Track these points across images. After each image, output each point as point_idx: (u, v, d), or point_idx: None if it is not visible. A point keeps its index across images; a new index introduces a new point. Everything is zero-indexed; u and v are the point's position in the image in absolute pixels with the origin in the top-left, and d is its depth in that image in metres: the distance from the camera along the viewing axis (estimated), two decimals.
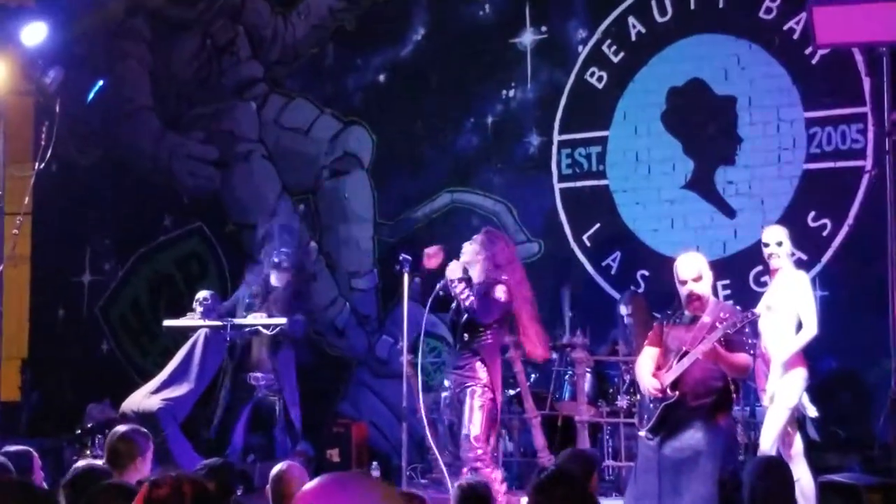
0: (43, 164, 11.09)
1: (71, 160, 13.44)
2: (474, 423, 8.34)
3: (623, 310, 10.11)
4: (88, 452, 11.01)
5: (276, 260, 10.13)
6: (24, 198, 11.41)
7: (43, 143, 10.86)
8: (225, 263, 13.03)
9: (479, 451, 8.27)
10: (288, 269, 10.10)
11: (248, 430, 10.24)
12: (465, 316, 8.52)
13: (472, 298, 8.39)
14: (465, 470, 8.22)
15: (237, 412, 10.18)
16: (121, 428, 6.32)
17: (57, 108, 10.91)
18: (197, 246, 13.32)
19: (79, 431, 11.43)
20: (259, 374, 10.01)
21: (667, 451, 7.19)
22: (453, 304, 8.67)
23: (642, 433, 7.42)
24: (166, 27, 13.56)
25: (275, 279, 10.13)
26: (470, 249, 8.70)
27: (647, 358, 7.50)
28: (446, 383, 8.74)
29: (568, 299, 10.57)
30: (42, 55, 10.55)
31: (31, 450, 6.59)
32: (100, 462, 7.02)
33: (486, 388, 8.40)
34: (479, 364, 8.46)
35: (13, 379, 13.18)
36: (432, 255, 8.81)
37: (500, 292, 8.52)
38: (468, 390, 8.44)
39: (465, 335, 8.55)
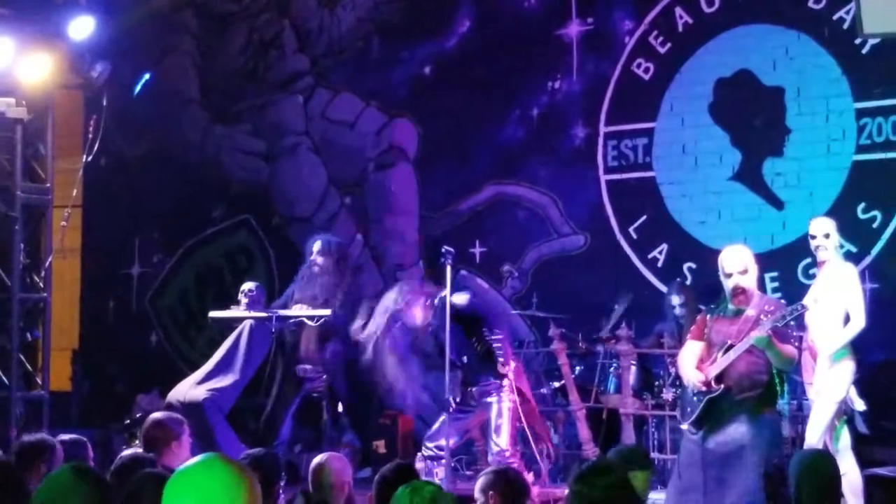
0: (91, 157, 11.21)
1: (119, 153, 13.54)
2: (501, 436, 8.48)
3: (675, 300, 10.05)
4: (137, 442, 11.10)
5: (314, 269, 10.12)
6: (73, 190, 11.53)
7: (91, 136, 10.97)
8: (272, 256, 13.08)
9: (507, 450, 8.44)
10: (326, 254, 10.06)
11: (297, 421, 10.26)
12: (451, 345, 8.62)
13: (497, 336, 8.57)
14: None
15: (286, 404, 10.21)
16: (155, 415, 6.39)
17: (105, 102, 11.02)
18: (244, 238, 13.38)
19: (128, 422, 11.52)
20: (308, 367, 10.02)
21: (710, 444, 7.15)
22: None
23: (684, 426, 7.38)
24: (213, 21, 13.63)
25: (319, 261, 10.09)
26: (392, 298, 8.85)
27: (689, 352, 7.45)
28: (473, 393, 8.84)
29: (624, 304, 10.51)
30: (90, 49, 10.62)
31: (84, 438, 6.67)
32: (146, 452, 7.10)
33: (507, 391, 8.51)
34: (489, 374, 8.66)
35: (64, 370, 13.30)
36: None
37: (457, 300, 8.60)
38: (489, 401, 8.63)
39: (464, 358, 8.77)
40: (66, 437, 6.60)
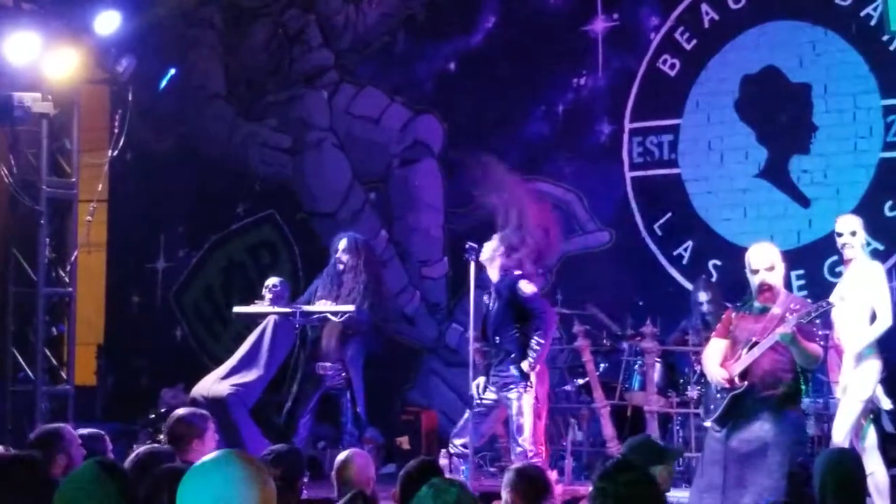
0: (117, 152, 11.25)
1: (145, 148, 13.57)
2: (524, 434, 8.50)
3: (703, 296, 9.99)
4: (162, 437, 11.13)
5: (339, 267, 10.13)
6: (98, 185, 11.58)
7: (117, 130, 11.02)
8: (296, 251, 13.09)
9: (532, 449, 8.45)
10: (352, 252, 10.06)
11: (316, 418, 10.27)
12: (493, 318, 8.62)
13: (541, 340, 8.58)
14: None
15: (305, 401, 10.21)
16: (180, 410, 6.39)
17: (130, 97, 11.06)
18: (269, 233, 13.40)
19: (152, 416, 11.56)
20: (327, 364, 10.02)
21: (734, 442, 7.11)
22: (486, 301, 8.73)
23: (707, 423, 7.35)
24: (238, 15, 13.64)
25: (344, 259, 10.09)
26: (489, 247, 8.82)
27: (714, 349, 7.42)
28: (491, 387, 8.82)
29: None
30: (115, 44, 10.67)
31: (102, 432, 6.68)
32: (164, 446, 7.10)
33: (527, 387, 8.51)
34: (513, 366, 8.65)
35: (89, 364, 13.35)
36: None
37: (525, 286, 8.60)
38: (509, 397, 8.65)
39: (497, 338, 8.69)
40: (84, 430, 6.61)
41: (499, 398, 8.76)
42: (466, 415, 8.87)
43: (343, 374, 9.95)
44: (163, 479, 4.54)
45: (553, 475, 8.42)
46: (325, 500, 6.93)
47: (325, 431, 10.61)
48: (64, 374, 11.23)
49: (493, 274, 8.84)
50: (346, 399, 9.95)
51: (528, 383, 8.54)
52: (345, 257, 10.08)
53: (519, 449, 8.50)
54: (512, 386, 8.65)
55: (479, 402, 8.81)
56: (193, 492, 2.97)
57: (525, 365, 8.55)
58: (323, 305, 9.84)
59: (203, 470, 3.02)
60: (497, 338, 8.76)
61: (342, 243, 10.15)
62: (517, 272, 8.76)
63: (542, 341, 8.61)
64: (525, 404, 8.55)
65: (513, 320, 8.71)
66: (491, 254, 8.84)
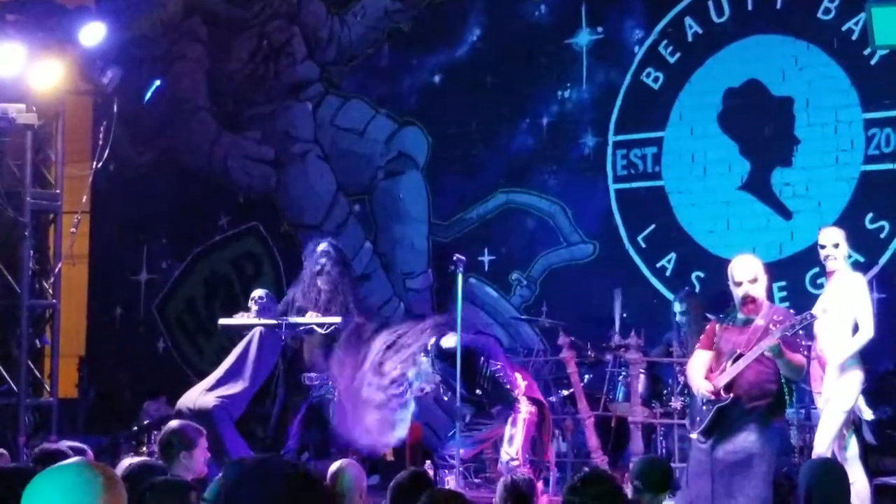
0: (101, 164, 11.24)
1: (128, 160, 13.56)
2: (513, 445, 8.58)
3: (677, 307, 10.07)
4: (144, 449, 11.10)
5: (316, 268, 10.11)
6: (82, 197, 11.56)
7: (101, 142, 11.01)
8: (280, 263, 13.09)
9: (517, 460, 8.51)
10: (330, 273, 10.05)
11: (304, 429, 10.25)
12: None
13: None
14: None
15: (292, 412, 10.19)
16: (172, 423, 6.39)
17: (115, 108, 11.05)
18: (253, 246, 13.39)
19: (135, 428, 11.53)
20: (313, 375, 9.99)
21: (719, 454, 7.14)
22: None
23: (694, 435, 7.38)
24: (223, 28, 13.64)
25: (320, 283, 10.10)
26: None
27: (698, 361, 7.45)
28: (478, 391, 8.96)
29: (620, 300, 10.49)
30: (100, 55, 10.68)
31: (84, 446, 6.66)
32: (155, 459, 7.09)
33: (523, 404, 8.60)
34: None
35: (71, 376, 13.31)
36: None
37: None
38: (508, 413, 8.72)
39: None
40: (67, 443, 6.61)
41: (497, 419, 8.86)
42: (457, 427, 8.90)
43: (329, 384, 9.89)
44: (155, 491, 4.56)
45: (539, 486, 8.46)
46: None
47: (312, 440, 10.53)
48: (47, 387, 11.20)
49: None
50: (335, 406, 9.86)
51: (521, 399, 8.65)
52: (323, 260, 10.04)
53: (506, 457, 8.52)
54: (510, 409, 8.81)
55: (473, 419, 8.92)
56: (41, 496, 2.96)
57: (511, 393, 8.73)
58: (310, 317, 9.82)
59: (52, 475, 3.02)
60: (478, 391, 9.03)
61: (321, 246, 10.11)
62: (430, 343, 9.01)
63: (497, 363, 8.86)
64: (520, 418, 8.61)
65: (467, 375, 8.88)
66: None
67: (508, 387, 8.71)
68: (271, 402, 11.02)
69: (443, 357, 8.84)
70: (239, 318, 10.13)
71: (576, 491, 4.25)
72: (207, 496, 3.85)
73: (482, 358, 8.81)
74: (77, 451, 6.41)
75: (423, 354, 8.86)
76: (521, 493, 5.54)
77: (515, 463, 8.46)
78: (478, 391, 8.86)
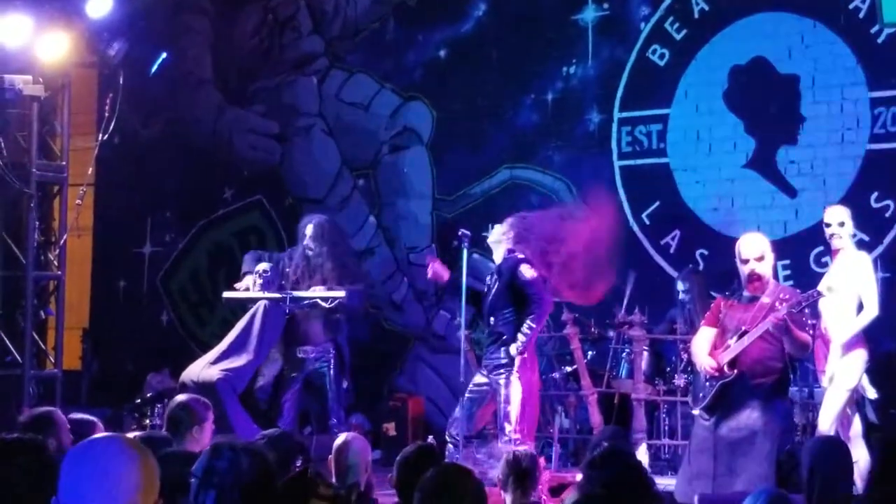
0: (106, 136, 11.23)
1: (133, 132, 13.54)
2: (510, 417, 8.51)
3: (680, 286, 10.10)
4: (148, 422, 11.14)
5: (307, 232, 10.02)
6: (87, 169, 11.56)
7: (107, 114, 11.00)
8: (284, 237, 13.07)
9: (517, 436, 8.44)
10: (319, 239, 9.95)
11: (300, 402, 10.18)
12: (491, 298, 8.64)
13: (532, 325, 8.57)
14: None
15: (287, 385, 10.11)
16: (181, 397, 6.39)
17: (121, 81, 11.03)
18: (257, 219, 13.39)
19: (138, 401, 11.56)
20: (308, 348, 9.92)
21: (723, 430, 7.18)
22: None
23: (696, 412, 7.41)
24: (228, 1, 13.62)
25: (312, 246, 9.96)
26: (498, 230, 8.82)
27: (703, 338, 7.48)
28: (483, 370, 8.88)
29: (633, 282, 10.49)
30: (107, 28, 10.67)
31: (95, 419, 6.67)
32: (160, 431, 7.11)
33: (515, 377, 8.55)
34: (503, 349, 8.65)
35: (75, 348, 13.32)
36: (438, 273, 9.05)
37: (525, 270, 8.61)
38: (499, 381, 8.64)
39: (491, 318, 8.70)
40: (76, 415, 6.62)
41: (489, 382, 8.79)
42: (459, 406, 8.90)
43: (328, 356, 9.83)
44: (160, 464, 4.58)
45: (541, 462, 8.47)
46: None
47: (309, 414, 10.49)
48: (52, 359, 11.23)
49: (498, 255, 8.87)
50: (331, 381, 9.84)
51: (521, 371, 8.56)
52: (312, 244, 9.98)
53: (506, 437, 8.52)
54: (501, 371, 8.66)
55: (471, 388, 8.86)
56: (76, 473, 2.99)
57: (513, 348, 8.58)
58: (314, 291, 9.78)
59: (86, 449, 3.05)
60: (492, 318, 8.77)
61: (308, 229, 10.02)
62: (520, 255, 8.75)
63: (534, 325, 8.59)
64: (513, 392, 8.57)
65: (510, 302, 8.68)
66: (499, 237, 8.87)
67: (520, 347, 8.54)
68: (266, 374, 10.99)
69: None
70: (243, 292, 10.08)
71: (596, 466, 4.26)
72: (195, 471, 3.87)
73: (531, 307, 8.66)
74: (87, 424, 6.44)
75: None
76: (523, 468, 5.56)
77: (517, 436, 8.45)
78: (491, 319, 8.78)
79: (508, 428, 8.51)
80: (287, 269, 9.97)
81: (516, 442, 8.31)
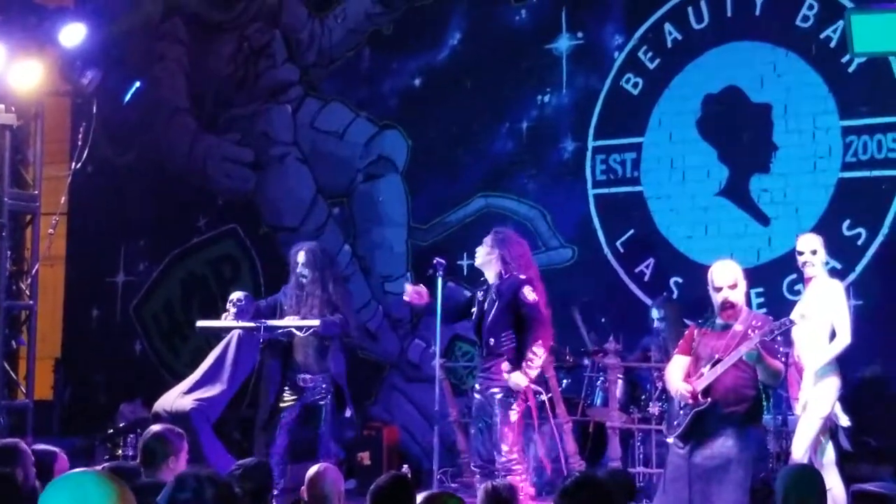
0: (79, 165, 11.20)
1: (107, 161, 13.52)
2: (506, 435, 8.30)
3: (655, 313, 10.12)
4: (120, 452, 11.06)
5: (299, 259, 9.97)
6: (60, 198, 11.52)
7: (80, 143, 10.97)
8: (258, 266, 13.07)
9: (514, 458, 8.27)
10: (311, 266, 9.91)
11: (295, 431, 10.04)
12: (490, 319, 8.49)
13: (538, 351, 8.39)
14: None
15: (282, 413, 9.98)
16: (155, 427, 6.32)
17: (94, 109, 11.02)
18: (231, 248, 13.37)
19: (111, 431, 11.48)
20: (307, 376, 9.81)
21: (697, 458, 7.17)
22: (474, 309, 8.67)
23: (670, 440, 7.40)
24: (203, 29, 13.62)
25: (306, 273, 9.93)
26: (482, 251, 8.70)
27: (676, 366, 7.48)
28: (476, 387, 8.67)
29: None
30: (80, 56, 10.64)
31: (56, 449, 6.59)
32: (130, 462, 7.05)
33: (517, 396, 8.37)
34: (504, 364, 8.38)
35: (46, 378, 13.25)
36: (420, 293, 8.89)
37: (528, 293, 8.47)
38: (497, 398, 8.37)
39: (491, 340, 8.51)
40: (38, 446, 6.56)
41: (484, 398, 8.57)
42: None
43: (323, 386, 9.73)
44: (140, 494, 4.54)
45: (531, 490, 8.44)
46: None
47: (302, 442, 10.38)
48: (23, 388, 11.15)
49: (491, 276, 8.62)
50: (327, 412, 9.72)
51: (521, 394, 8.37)
52: (306, 271, 9.94)
53: (502, 459, 8.29)
54: (499, 392, 8.38)
55: (477, 415, 8.65)
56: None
57: (521, 378, 8.27)
58: (289, 320, 9.71)
59: (64, 483, 3.03)
60: (491, 339, 8.50)
61: (300, 257, 9.98)
62: (522, 276, 8.58)
63: (538, 353, 8.35)
64: (512, 414, 8.38)
65: (510, 324, 8.43)
66: (484, 258, 8.70)
67: (528, 369, 8.30)
68: (248, 406, 10.92)
69: None
70: (217, 321, 10.01)
71: (568, 495, 4.25)
72: (159, 501, 3.85)
73: (535, 332, 8.44)
74: (49, 455, 6.38)
75: None
76: (502, 498, 5.53)
77: (514, 457, 8.28)
78: (491, 339, 8.52)
79: (505, 449, 8.32)
80: (285, 306, 9.86)
81: (513, 463, 8.22)
